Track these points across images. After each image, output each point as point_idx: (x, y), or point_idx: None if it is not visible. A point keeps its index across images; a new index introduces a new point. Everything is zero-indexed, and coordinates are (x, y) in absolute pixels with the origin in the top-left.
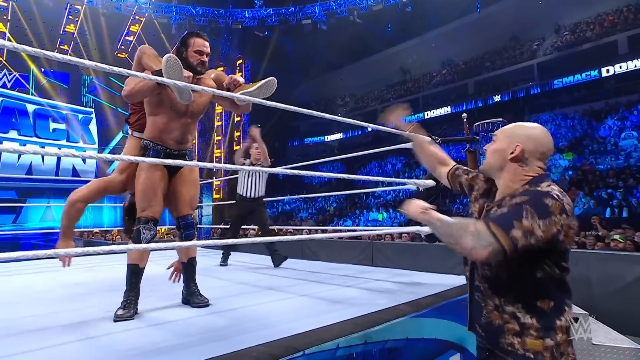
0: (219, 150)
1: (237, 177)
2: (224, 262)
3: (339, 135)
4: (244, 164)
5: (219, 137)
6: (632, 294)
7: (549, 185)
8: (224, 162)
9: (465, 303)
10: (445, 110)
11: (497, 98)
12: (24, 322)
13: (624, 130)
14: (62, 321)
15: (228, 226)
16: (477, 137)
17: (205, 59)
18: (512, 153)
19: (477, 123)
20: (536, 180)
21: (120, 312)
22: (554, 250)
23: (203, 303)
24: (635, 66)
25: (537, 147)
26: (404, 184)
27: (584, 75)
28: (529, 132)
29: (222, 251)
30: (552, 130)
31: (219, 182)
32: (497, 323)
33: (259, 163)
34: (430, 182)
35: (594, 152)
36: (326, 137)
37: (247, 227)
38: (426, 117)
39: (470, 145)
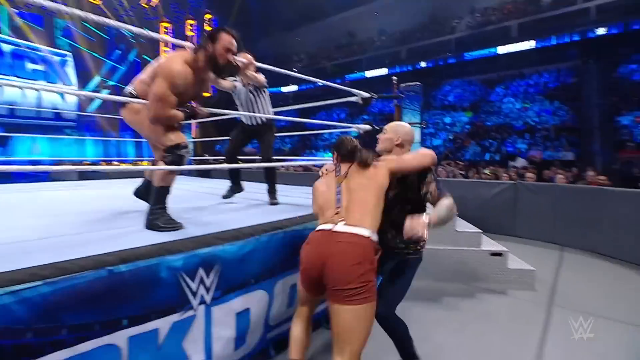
0: None
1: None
2: (229, 194)
3: (294, 87)
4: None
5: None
6: (490, 205)
7: None
8: None
9: None
10: (382, 72)
11: (423, 64)
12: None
13: (506, 97)
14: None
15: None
16: (402, 95)
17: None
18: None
19: (402, 85)
20: None
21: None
22: None
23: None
24: (522, 48)
25: None
26: (349, 127)
27: (486, 51)
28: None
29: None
30: (460, 94)
31: None
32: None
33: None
34: (368, 127)
35: (486, 112)
36: (282, 88)
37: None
38: (367, 75)
39: (397, 101)
